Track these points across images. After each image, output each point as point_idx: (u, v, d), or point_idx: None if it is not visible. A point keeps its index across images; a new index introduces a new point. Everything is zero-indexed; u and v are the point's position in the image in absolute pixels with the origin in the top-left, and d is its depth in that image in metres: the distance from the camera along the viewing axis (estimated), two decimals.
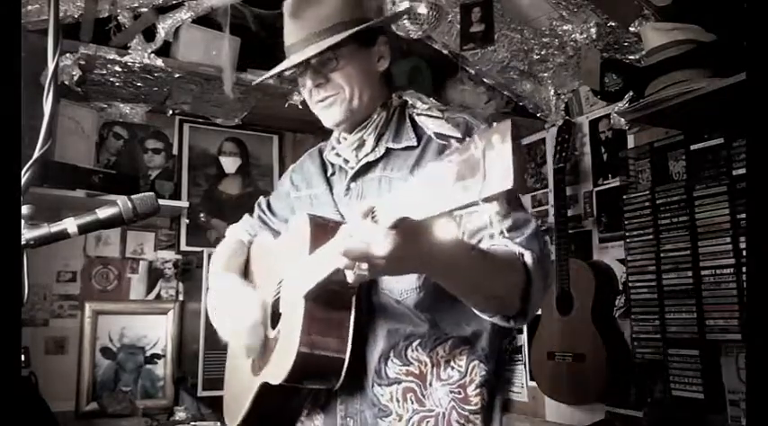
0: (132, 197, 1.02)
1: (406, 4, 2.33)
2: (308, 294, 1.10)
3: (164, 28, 2.43)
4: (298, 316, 1.13)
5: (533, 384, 2.86)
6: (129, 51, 2.41)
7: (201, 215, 3.07)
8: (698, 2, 2.20)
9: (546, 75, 2.85)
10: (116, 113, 2.92)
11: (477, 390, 1.22)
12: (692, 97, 2.04)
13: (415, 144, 1.25)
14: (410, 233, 0.83)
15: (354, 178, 1.30)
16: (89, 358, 2.72)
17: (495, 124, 0.64)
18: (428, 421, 1.20)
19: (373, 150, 1.28)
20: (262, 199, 1.60)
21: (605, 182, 2.74)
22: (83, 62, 2.39)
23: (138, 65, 2.45)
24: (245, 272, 1.52)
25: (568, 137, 2.75)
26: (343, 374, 1.14)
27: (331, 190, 1.36)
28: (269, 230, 1.54)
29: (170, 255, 2.98)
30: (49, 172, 2.42)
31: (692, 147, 2.34)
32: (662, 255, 2.34)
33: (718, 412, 2.17)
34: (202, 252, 3.00)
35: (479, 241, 1.13)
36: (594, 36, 2.47)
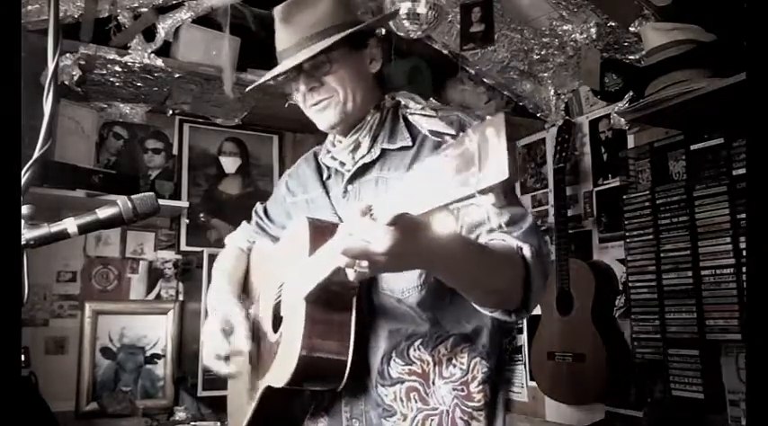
0: (132, 197, 1.02)
1: (407, 5, 2.33)
2: (308, 295, 1.10)
3: (164, 28, 2.43)
4: (299, 319, 1.13)
5: (533, 384, 2.86)
6: (129, 51, 2.41)
7: (201, 215, 3.07)
8: (698, 2, 2.21)
9: (546, 75, 2.85)
10: (116, 113, 2.91)
11: (480, 387, 1.23)
12: (692, 97, 2.04)
13: (410, 143, 1.26)
14: (409, 228, 0.84)
15: (351, 180, 1.31)
16: (89, 358, 2.72)
17: (488, 118, 0.64)
18: (432, 420, 1.21)
19: (369, 151, 1.29)
20: (258, 206, 1.60)
21: (605, 182, 2.75)
22: (83, 62, 2.39)
23: (138, 65, 2.45)
24: (246, 280, 1.53)
25: (568, 137, 2.75)
26: (346, 376, 1.14)
27: (328, 193, 1.37)
28: (267, 236, 1.55)
29: (170, 255, 2.98)
30: (49, 172, 2.42)
31: (692, 147, 2.34)
32: (662, 255, 2.34)
33: (718, 412, 2.17)
34: (202, 252, 3.00)
35: (478, 236, 1.13)
36: (594, 36, 2.47)
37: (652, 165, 2.49)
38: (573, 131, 2.80)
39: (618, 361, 2.46)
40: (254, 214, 1.60)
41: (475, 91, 2.98)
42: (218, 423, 2.70)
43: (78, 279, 2.78)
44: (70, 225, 0.97)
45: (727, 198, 2.16)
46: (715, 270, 2.17)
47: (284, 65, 1.25)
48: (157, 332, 2.88)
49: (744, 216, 2.09)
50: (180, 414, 2.74)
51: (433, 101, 2.87)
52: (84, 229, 0.98)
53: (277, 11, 1.29)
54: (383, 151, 1.28)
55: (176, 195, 2.98)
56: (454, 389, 1.22)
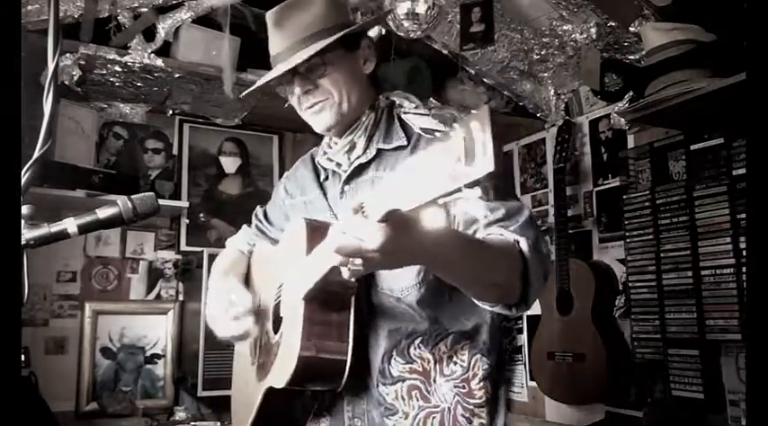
0: (132, 197, 1.01)
1: (406, 4, 2.33)
2: (306, 295, 1.11)
3: (164, 28, 2.43)
4: (298, 320, 1.13)
5: (533, 384, 2.86)
6: (129, 51, 2.41)
7: (201, 215, 3.07)
8: (698, 2, 2.21)
9: (546, 75, 2.85)
10: (116, 113, 2.91)
11: (481, 384, 1.23)
12: (692, 97, 2.04)
13: (406, 143, 1.26)
14: (400, 224, 0.83)
15: (348, 181, 1.31)
16: (89, 358, 2.72)
17: (473, 111, 0.65)
18: (434, 417, 1.21)
19: (365, 152, 1.29)
20: (258, 210, 1.61)
21: (605, 182, 2.75)
22: (83, 62, 2.39)
23: (138, 65, 2.45)
24: (246, 282, 1.53)
25: (568, 137, 2.75)
26: (346, 375, 1.14)
27: (325, 194, 1.37)
28: (267, 239, 1.55)
29: (170, 255, 2.98)
30: (49, 172, 2.42)
31: (692, 147, 2.34)
32: (662, 255, 2.34)
33: (718, 412, 2.17)
34: (202, 252, 3.00)
35: (475, 231, 1.14)
36: (594, 36, 2.47)
37: (652, 165, 2.49)
38: (573, 131, 2.80)
39: (618, 361, 2.46)
40: (253, 217, 1.61)
41: (475, 91, 2.98)
42: (218, 423, 2.70)
43: (78, 279, 2.78)
44: (70, 225, 0.97)
45: (727, 198, 2.16)
46: (715, 270, 2.17)
47: (279, 68, 1.26)
48: (157, 332, 2.88)
49: (744, 216, 2.09)
50: (180, 414, 2.75)
51: (433, 101, 2.88)
52: (84, 229, 0.98)
53: (269, 15, 1.29)
54: (379, 151, 1.28)
55: (176, 195, 2.98)
56: (455, 386, 1.22)
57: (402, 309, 1.23)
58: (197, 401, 2.86)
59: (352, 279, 0.96)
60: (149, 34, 2.44)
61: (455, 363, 1.23)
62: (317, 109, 1.28)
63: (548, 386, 2.71)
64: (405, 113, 1.28)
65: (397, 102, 1.33)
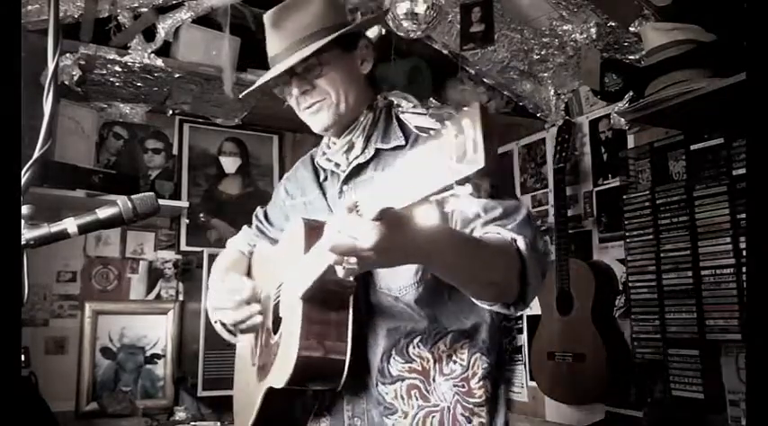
0: (132, 197, 1.02)
1: (406, 4, 2.33)
2: (304, 294, 1.11)
3: (164, 28, 2.43)
4: (296, 319, 1.13)
5: (533, 384, 2.86)
6: (129, 51, 2.41)
7: (201, 215, 3.07)
8: (698, 2, 2.21)
9: (546, 75, 2.85)
10: (116, 113, 2.92)
11: (481, 383, 1.23)
12: (692, 97, 2.04)
13: (404, 142, 1.26)
14: (394, 222, 0.83)
15: (346, 181, 1.31)
16: (89, 358, 2.72)
17: (464, 108, 0.65)
18: (433, 417, 1.21)
19: (363, 152, 1.29)
20: (259, 210, 1.62)
21: (605, 182, 2.75)
22: (83, 62, 2.39)
23: (138, 65, 2.45)
24: None
25: (568, 137, 2.75)
26: (345, 375, 1.14)
27: (324, 195, 1.38)
28: (267, 240, 1.55)
29: (170, 255, 2.98)
30: (49, 172, 2.42)
31: (692, 147, 2.34)
32: (662, 255, 2.34)
33: (718, 412, 2.17)
34: (202, 252, 3.00)
35: (473, 230, 1.14)
36: (594, 36, 2.47)
37: (652, 165, 2.49)
38: (573, 131, 2.80)
39: (618, 361, 2.46)
40: (254, 218, 1.62)
41: (475, 91, 2.98)
42: (218, 423, 2.70)
43: (78, 279, 2.78)
44: (70, 225, 0.97)
45: (727, 198, 2.16)
46: (715, 270, 2.17)
47: (276, 68, 1.26)
48: (157, 332, 2.88)
49: (744, 216, 2.09)
50: (180, 414, 2.75)
51: (433, 101, 2.88)
52: (84, 229, 0.98)
53: (267, 16, 1.30)
54: (377, 151, 1.28)
55: (176, 195, 2.98)
56: (455, 386, 1.22)
57: (400, 308, 1.23)
58: (197, 401, 2.86)
59: (351, 279, 0.96)
60: (149, 34, 2.44)
61: (454, 362, 1.23)
62: (315, 109, 1.28)
63: (548, 386, 2.71)
64: (402, 113, 1.29)
65: (396, 102, 1.33)
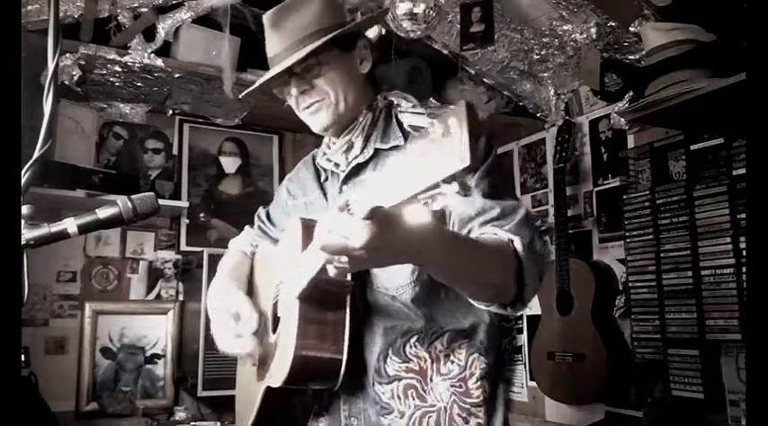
0: (132, 197, 1.02)
1: (406, 4, 2.33)
2: (300, 293, 1.11)
3: (164, 28, 2.43)
4: (293, 319, 1.13)
5: (533, 384, 2.86)
6: (129, 51, 2.41)
7: (201, 215, 3.06)
8: (698, 2, 2.21)
9: (546, 75, 2.85)
10: (116, 113, 2.91)
11: (478, 383, 1.23)
12: (692, 97, 2.04)
13: (402, 142, 1.26)
14: (384, 221, 0.83)
15: (346, 181, 1.31)
16: (89, 358, 2.72)
17: (451, 107, 0.65)
18: (430, 417, 1.21)
19: (362, 152, 1.30)
20: (261, 210, 1.62)
21: (605, 182, 2.75)
22: (83, 62, 2.39)
23: (138, 65, 2.45)
24: (250, 283, 1.53)
25: (568, 137, 2.75)
26: (342, 374, 1.14)
27: (325, 195, 1.38)
28: (269, 240, 1.56)
29: (170, 255, 2.98)
30: (49, 172, 2.41)
31: (692, 147, 2.34)
32: (662, 255, 2.34)
33: (718, 412, 2.17)
34: (202, 252, 2.99)
35: (470, 230, 1.13)
36: (594, 36, 2.47)
37: (652, 165, 2.49)
38: (573, 131, 2.80)
39: (618, 361, 2.46)
40: (256, 218, 1.62)
41: (475, 91, 2.97)
42: (218, 423, 2.70)
43: (78, 279, 2.78)
44: (70, 225, 0.97)
45: (727, 198, 2.16)
46: (715, 270, 2.17)
47: (275, 69, 1.26)
48: (157, 332, 2.88)
49: (744, 216, 2.09)
50: (180, 414, 2.75)
51: (433, 101, 2.88)
52: (84, 229, 0.98)
53: (266, 17, 1.30)
54: (376, 151, 1.28)
55: (176, 195, 2.98)
56: (452, 386, 1.22)
57: (397, 307, 1.22)
58: (197, 401, 2.86)
59: (348, 277, 0.96)
60: (149, 34, 2.44)
61: (452, 362, 1.23)
62: (314, 109, 1.29)
63: (548, 386, 2.71)
64: (401, 113, 1.29)
65: (395, 102, 1.33)
